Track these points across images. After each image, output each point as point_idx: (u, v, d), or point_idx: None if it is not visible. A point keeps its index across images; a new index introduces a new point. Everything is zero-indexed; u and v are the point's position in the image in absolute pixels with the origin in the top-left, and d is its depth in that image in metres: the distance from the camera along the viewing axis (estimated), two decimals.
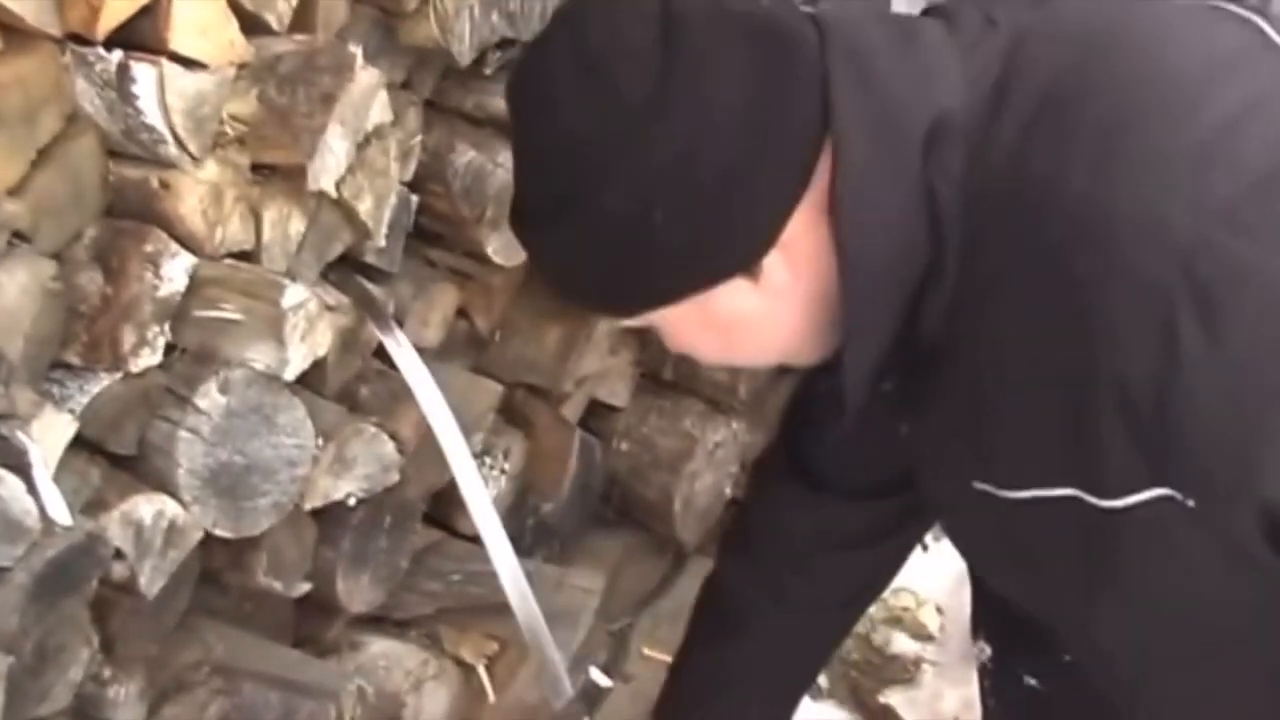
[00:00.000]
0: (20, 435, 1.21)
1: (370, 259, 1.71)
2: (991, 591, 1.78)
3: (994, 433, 1.12)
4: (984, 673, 1.84)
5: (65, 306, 1.36)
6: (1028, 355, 1.06)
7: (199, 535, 1.41)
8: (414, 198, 1.74)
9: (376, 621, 1.79)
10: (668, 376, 2.27)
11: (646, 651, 2.27)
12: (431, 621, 1.83)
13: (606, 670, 2.26)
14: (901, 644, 2.42)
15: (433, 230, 1.82)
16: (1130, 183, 1.01)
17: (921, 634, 2.44)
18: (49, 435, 1.25)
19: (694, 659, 1.65)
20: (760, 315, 1.13)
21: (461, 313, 1.94)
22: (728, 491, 2.44)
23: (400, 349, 1.62)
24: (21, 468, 1.20)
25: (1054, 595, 1.22)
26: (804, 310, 1.14)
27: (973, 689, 2.35)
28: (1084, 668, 1.62)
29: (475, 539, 1.96)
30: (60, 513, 1.18)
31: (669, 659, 2.27)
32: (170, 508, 1.37)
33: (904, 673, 2.38)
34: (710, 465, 2.30)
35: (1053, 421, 1.05)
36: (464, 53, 1.66)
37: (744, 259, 1.10)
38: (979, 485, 1.16)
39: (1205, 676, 1.21)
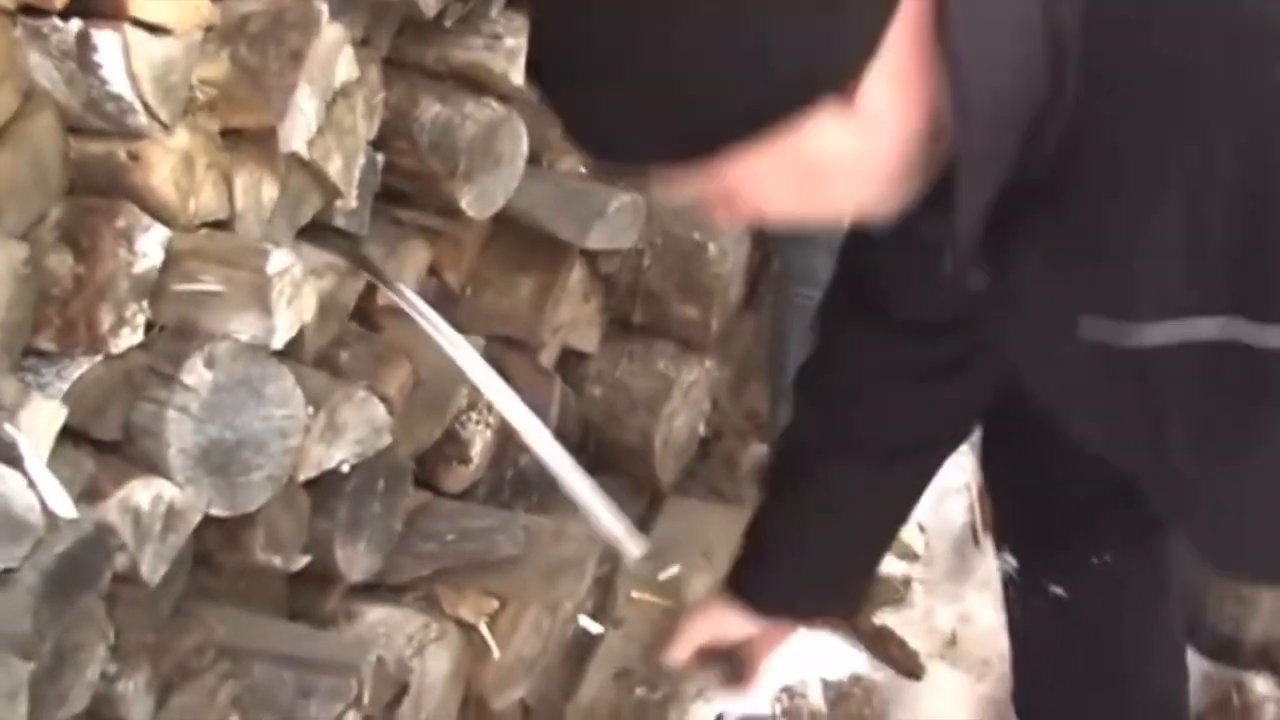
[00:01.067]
0: (8, 428, 1.16)
1: (340, 222, 1.66)
2: (1020, 501, 1.79)
3: (1134, 256, 1.05)
4: (1009, 584, 1.86)
5: (36, 290, 1.31)
6: (1194, 173, 0.99)
7: (198, 517, 1.37)
8: (379, 156, 1.69)
9: (371, 589, 1.76)
10: (637, 320, 2.25)
11: (635, 594, 2.26)
12: (427, 584, 1.80)
13: (594, 616, 2.25)
14: (889, 565, 2.41)
15: (398, 189, 1.78)
16: None
17: (907, 554, 2.44)
18: (37, 424, 1.20)
19: (772, 518, 1.62)
20: (853, 153, 1.03)
21: (431, 270, 1.91)
22: (700, 429, 2.44)
23: (409, 301, 1.59)
24: (13, 460, 1.15)
25: (1153, 432, 1.19)
26: (900, 147, 1.04)
27: (965, 603, 2.41)
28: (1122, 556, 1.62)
29: (462, 496, 1.96)
30: (63, 505, 1.13)
31: (657, 600, 2.30)
32: (167, 491, 1.32)
33: (894, 593, 2.38)
34: (686, 404, 2.29)
35: (1222, 241, 1.00)
36: (429, 4, 1.61)
37: (841, 71, 0.98)
38: (1093, 323, 1.10)
39: None
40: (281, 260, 1.42)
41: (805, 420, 1.59)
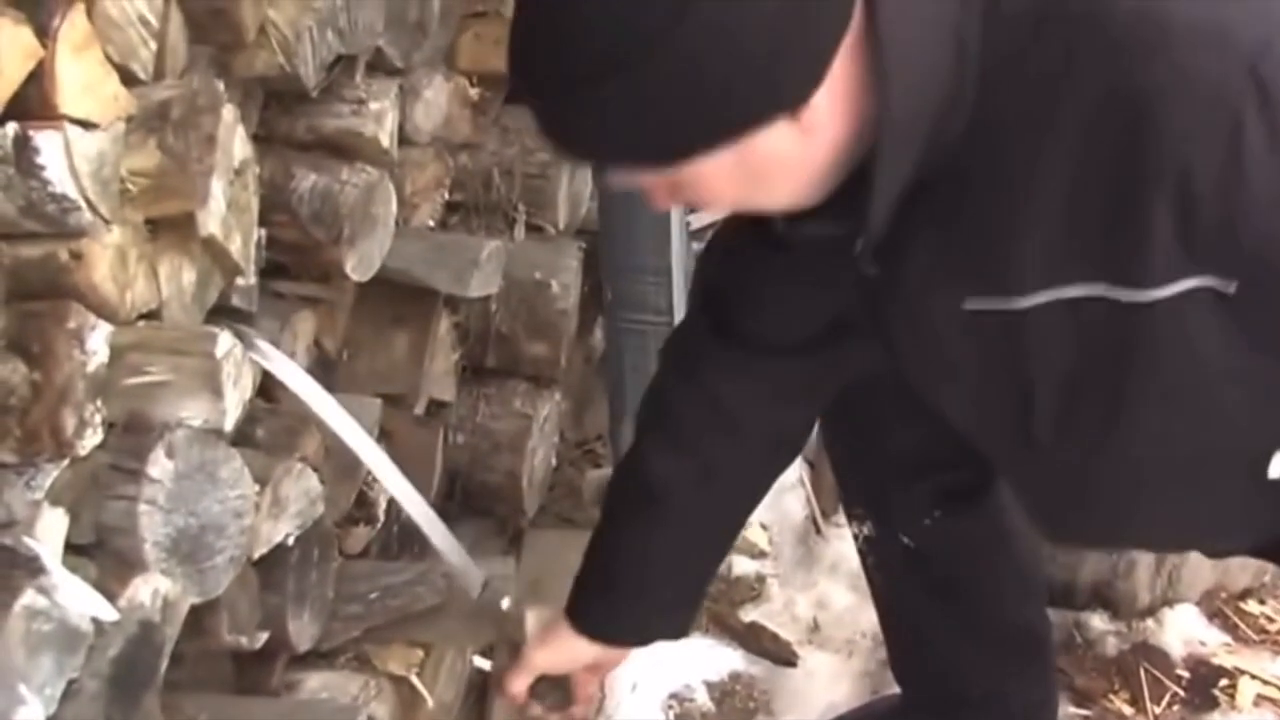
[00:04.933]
0: (28, 540, 1.15)
1: (236, 300, 1.67)
2: (858, 470, 1.91)
3: (1015, 239, 1.21)
4: (867, 549, 1.97)
5: None
6: (1070, 158, 1.15)
7: (186, 607, 1.36)
8: (262, 231, 1.71)
9: (302, 658, 1.76)
10: (490, 363, 2.31)
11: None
12: (355, 644, 1.82)
13: (484, 655, 2.29)
14: (742, 565, 2.55)
15: (275, 261, 1.79)
16: None
17: (755, 552, 2.57)
18: (50, 535, 1.19)
19: (615, 540, 1.68)
20: (794, 156, 1.18)
21: None
22: (553, 461, 2.51)
23: (277, 363, 1.60)
24: (38, 573, 1.14)
25: (1021, 406, 1.34)
26: (830, 151, 1.20)
27: (819, 589, 2.55)
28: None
29: (363, 555, 1.98)
30: (104, 609, 1.13)
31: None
32: (163, 585, 1.32)
33: (751, 591, 2.51)
34: (543, 439, 2.36)
35: (1093, 215, 1.16)
36: (309, 75, 1.64)
37: (799, 94, 1.13)
38: (977, 303, 1.26)
39: (1173, 463, 1.35)
40: (227, 343, 1.43)
41: (649, 448, 1.66)
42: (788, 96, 1.14)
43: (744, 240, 1.50)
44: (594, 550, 1.71)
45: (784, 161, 1.20)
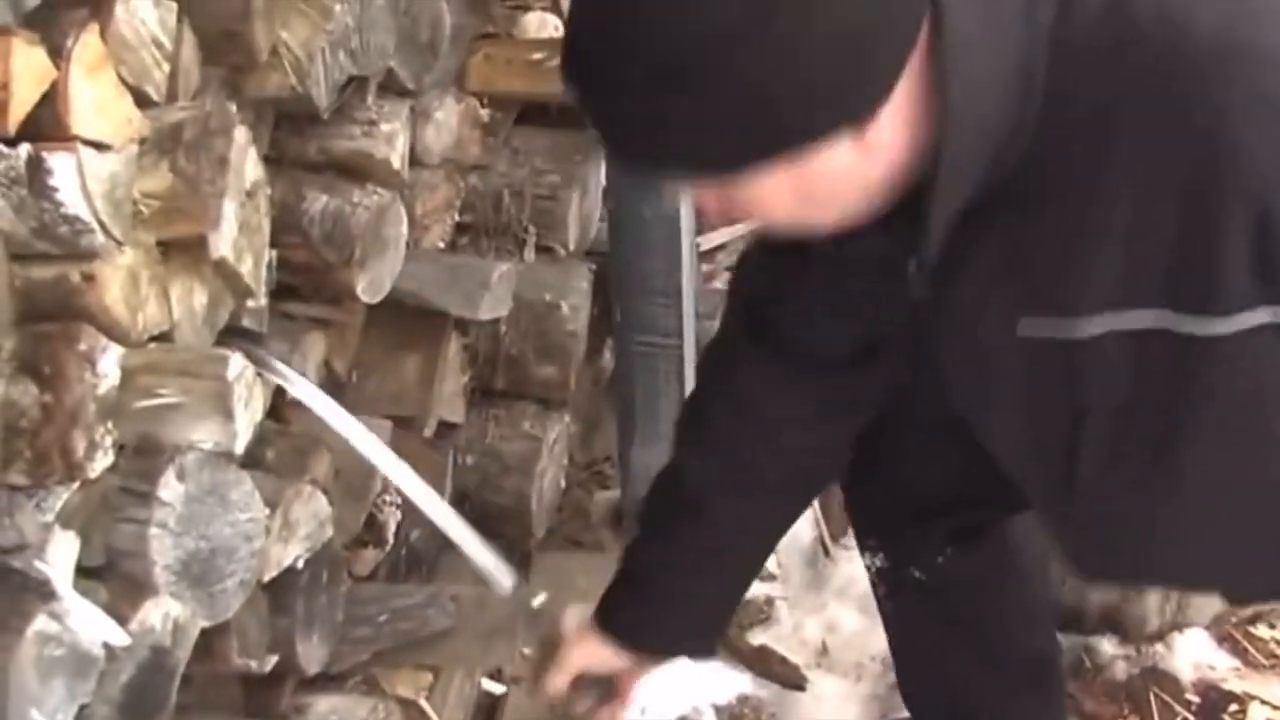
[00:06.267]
0: (39, 564, 1.14)
1: (246, 322, 1.67)
2: (873, 504, 1.91)
3: (1075, 259, 1.18)
4: (879, 579, 1.97)
5: (2, 426, 1.29)
6: (1137, 182, 1.13)
7: (196, 631, 1.36)
8: (273, 253, 1.71)
9: (312, 681, 1.76)
10: (499, 385, 2.30)
11: (528, 651, 2.30)
12: (364, 667, 1.81)
13: (493, 678, 2.28)
14: (751, 588, 2.53)
15: (286, 283, 1.79)
16: (1259, 21, 1.11)
17: (764, 575, 2.56)
18: (61, 559, 1.18)
19: (647, 548, 1.67)
20: (850, 174, 1.15)
21: None
22: (562, 483, 2.50)
23: (298, 385, 1.59)
24: (49, 597, 1.13)
25: (1069, 438, 1.31)
26: (888, 170, 1.17)
27: (829, 612, 2.54)
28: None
29: (372, 577, 1.97)
30: (115, 634, 1.12)
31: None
32: (174, 608, 1.31)
33: (760, 613, 2.50)
34: (552, 461, 2.35)
35: (1161, 238, 1.14)
36: (321, 97, 1.64)
37: (865, 111, 1.11)
38: (1031, 325, 1.23)
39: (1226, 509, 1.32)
40: (238, 365, 1.43)
41: (689, 459, 1.65)
42: (854, 113, 1.11)
43: (784, 252, 1.46)
44: (627, 556, 1.70)
45: (842, 179, 1.17)
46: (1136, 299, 1.19)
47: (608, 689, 1.72)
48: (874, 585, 1.99)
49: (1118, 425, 1.29)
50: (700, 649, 1.75)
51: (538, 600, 1.74)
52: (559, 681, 1.69)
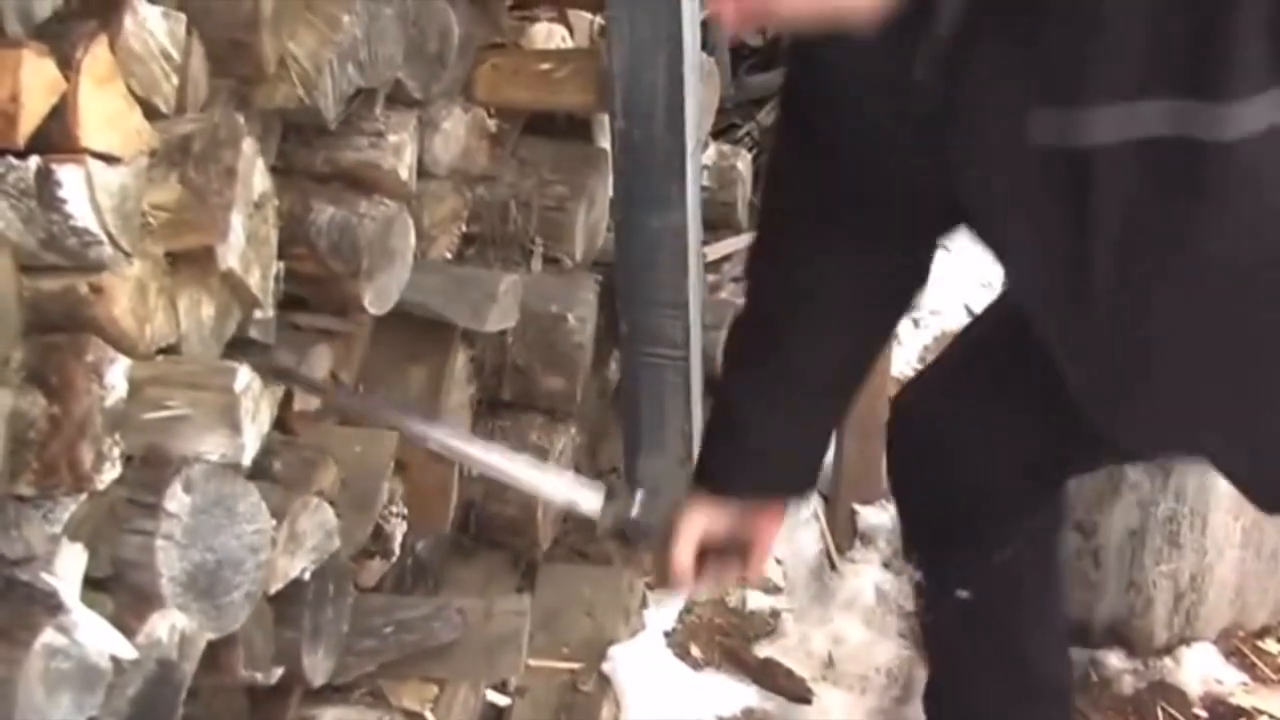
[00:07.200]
0: (46, 576, 1.14)
1: (253, 333, 1.67)
2: (925, 512, 1.91)
3: (1086, 46, 1.18)
4: (917, 593, 1.98)
5: (11, 435, 1.28)
6: None
7: (203, 643, 1.35)
8: (280, 264, 1.70)
9: (317, 692, 1.75)
10: (505, 396, 2.30)
11: (533, 663, 2.30)
12: (369, 679, 1.81)
13: (498, 689, 2.28)
14: (756, 600, 2.54)
15: (293, 294, 1.79)
16: None
17: (769, 588, 2.56)
18: (69, 571, 1.18)
19: (734, 392, 1.68)
20: None
21: None
22: None
23: (354, 400, 1.59)
24: (56, 609, 1.13)
25: (1080, 238, 1.31)
26: None
27: (834, 625, 2.53)
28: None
29: (378, 589, 1.97)
30: (122, 647, 1.12)
31: (555, 664, 2.34)
32: (180, 620, 1.31)
33: (766, 626, 2.50)
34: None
35: (1175, 25, 1.14)
36: (329, 108, 1.64)
37: None
38: (1041, 130, 1.23)
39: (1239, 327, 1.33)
40: (245, 377, 1.43)
41: (761, 290, 1.66)
42: None
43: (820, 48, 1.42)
44: (717, 409, 1.72)
45: None
46: (1148, 88, 1.19)
47: (740, 556, 1.69)
48: (915, 594, 2.00)
49: (1127, 224, 1.29)
50: (795, 488, 1.73)
51: (635, 508, 1.69)
52: (683, 554, 1.65)
